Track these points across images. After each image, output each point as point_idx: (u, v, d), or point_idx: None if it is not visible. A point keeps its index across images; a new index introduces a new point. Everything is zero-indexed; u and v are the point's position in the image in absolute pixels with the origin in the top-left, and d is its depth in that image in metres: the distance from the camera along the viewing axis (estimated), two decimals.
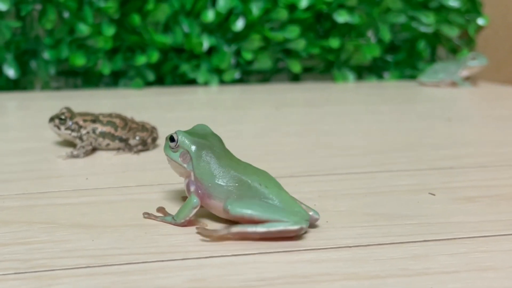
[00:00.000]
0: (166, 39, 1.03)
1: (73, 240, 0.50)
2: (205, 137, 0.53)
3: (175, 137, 0.53)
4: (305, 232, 0.51)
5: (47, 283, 0.43)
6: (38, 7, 1.01)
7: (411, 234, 0.52)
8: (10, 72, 1.00)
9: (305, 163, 0.69)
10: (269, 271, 0.46)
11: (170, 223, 0.53)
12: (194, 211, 0.52)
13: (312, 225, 0.52)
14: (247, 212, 0.49)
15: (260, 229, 0.49)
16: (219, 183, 0.51)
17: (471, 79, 1.14)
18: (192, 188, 0.52)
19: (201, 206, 0.54)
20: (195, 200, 0.52)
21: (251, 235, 0.49)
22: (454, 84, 1.11)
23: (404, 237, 0.51)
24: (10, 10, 0.99)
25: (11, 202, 0.57)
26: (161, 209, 0.55)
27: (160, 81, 1.09)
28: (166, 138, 0.54)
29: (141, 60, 1.03)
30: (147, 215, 0.54)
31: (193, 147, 0.52)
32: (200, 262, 0.47)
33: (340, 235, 0.51)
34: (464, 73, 1.11)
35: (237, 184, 0.51)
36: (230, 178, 0.51)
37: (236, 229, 0.49)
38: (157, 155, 0.72)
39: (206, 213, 0.55)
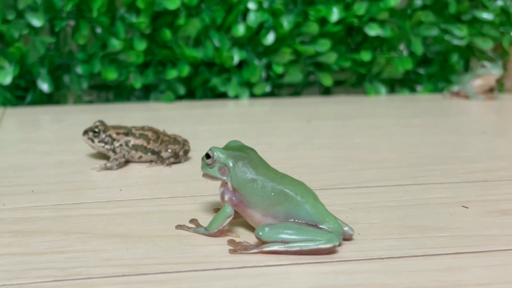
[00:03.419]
0: (197, 53, 1.05)
1: (109, 249, 0.51)
2: (240, 150, 0.55)
3: (211, 154, 0.55)
4: (339, 245, 0.52)
5: None
6: (72, 23, 1.04)
7: (444, 247, 0.52)
8: (44, 86, 1.04)
9: (337, 176, 0.70)
10: (302, 281, 0.47)
11: (202, 234, 0.54)
12: (228, 220, 0.53)
13: (346, 239, 0.53)
14: (279, 237, 0.50)
15: (292, 248, 0.50)
16: (256, 192, 0.52)
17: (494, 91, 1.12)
18: (227, 197, 0.54)
19: (234, 217, 0.55)
20: (228, 209, 0.53)
21: (283, 254, 0.51)
22: (467, 96, 1.10)
23: (437, 249, 0.52)
24: (45, 26, 1.03)
25: (48, 213, 0.59)
26: (194, 221, 0.56)
27: (191, 95, 1.12)
28: (202, 158, 0.56)
29: (172, 74, 1.06)
30: (180, 227, 0.56)
31: (230, 159, 0.54)
32: (233, 272, 0.48)
33: (373, 247, 0.52)
34: (477, 82, 1.10)
35: (273, 194, 0.52)
36: (266, 188, 0.52)
37: (268, 248, 0.51)
38: (189, 168, 0.74)
39: (238, 224, 0.56)
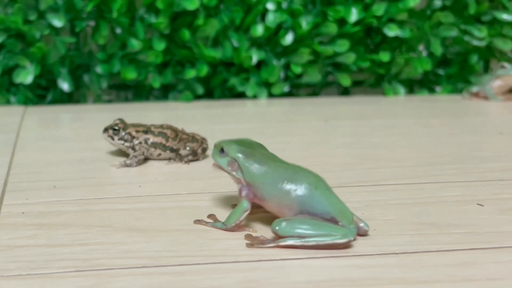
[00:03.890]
0: (216, 53, 1.07)
1: (129, 242, 0.54)
2: (249, 145, 0.57)
3: (224, 149, 0.57)
4: (354, 239, 0.53)
5: (106, 280, 0.47)
6: (92, 23, 1.07)
7: (458, 243, 0.54)
8: (64, 85, 1.06)
9: (353, 174, 0.72)
10: (317, 274, 0.49)
11: (220, 228, 0.56)
12: (245, 214, 0.55)
13: (362, 235, 0.55)
14: (296, 232, 0.52)
15: (308, 243, 0.52)
16: (269, 183, 0.54)
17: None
18: (244, 193, 0.56)
19: (252, 213, 0.57)
20: (245, 204, 0.55)
21: (299, 248, 0.53)
22: (486, 97, 1.11)
23: (451, 245, 0.54)
24: (65, 27, 1.05)
25: (69, 207, 0.61)
26: (212, 216, 0.58)
27: (209, 95, 1.14)
28: (215, 145, 0.58)
29: (190, 73, 1.08)
30: (198, 222, 0.58)
31: (239, 154, 0.56)
32: (250, 265, 0.50)
33: (388, 243, 0.54)
34: (497, 83, 1.11)
35: (285, 184, 0.54)
36: (279, 179, 0.54)
37: (284, 243, 0.53)
38: (207, 165, 0.75)
39: (255, 219, 0.58)
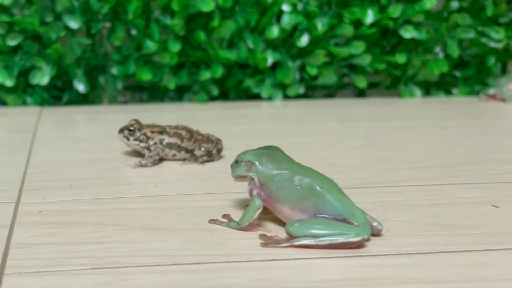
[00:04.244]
0: (231, 55, 1.08)
1: (144, 241, 0.55)
2: (263, 148, 0.59)
3: (238, 159, 0.58)
4: (368, 240, 0.54)
5: (122, 277, 0.48)
6: (108, 25, 1.08)
7: (472, 243, 0.54)
8: (80, 87, 1.08)
9: (368, 175, 0.72)
10: (331, 273, 0.50)
11: (234, 228, 0.57)
12: (258, 212, 0.56)
13: (375, 235, 0.56)
14: (309, 232, 0.53)
15: (322, 242, 0.53)
16: (283, 186, 0.55)
17: None
18: (255, 192, 0.57)
19: (265, 213, 0.58)
20: (257, 202, 0.56)
21: (313, 248, 0.53)
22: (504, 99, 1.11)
23: (466, 246, 0.54)
24: (81, 28, 1.07)
25: (85, 206, 0.63)
26: (226, 216, 0.59)
27: (224, 96, 1.15)
28: (231, 166, 0.59)
29: (205, 75, 1.09)
30: (213, 221, 0.59)
31: (253, 156, 0.57)
32: (264, 264, 0.51)
33: (402, 243, 0.55)
34: None
35: (299, 187, 0.55)
36: (292, 181, 0.55)
37: (299, 242, 0.53)
38: (222, 166, 0.77)
39: (268, 219, 0.59)
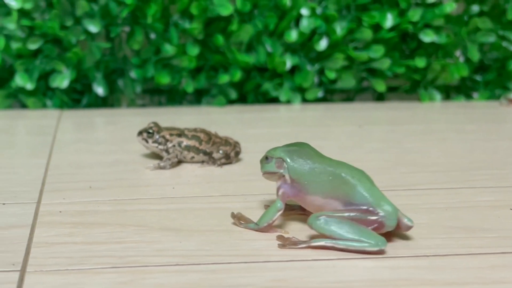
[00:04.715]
0: (249, 59, 1.10)
1: (163, 241, 0.56)
2: (294, 145, 0.60)
3: (267, 155, 0.59)
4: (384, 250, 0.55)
5: (141, 276, 0.50)
6: (127, 29, 1.10)
7: (489, 246, 0.55)
8: (99, 90, 1.10)
9: (386, 178, 0.73)
10: (347, 274, 0.51)
11: (252, 229, 0.59)
12: (278, 214, 0.58)
13: (405, 231, 0.56)
14: (329, 230, 0.54)
15: (338, 245, 0.54)
16: (315, 179, 0.57)
17: None
18: (281, 192, 0.58)
19: (284, 215, 0.59)
20: (279, 204, 0.58)
21: (330, 249, 0.55)
22: None
23: (483, 248, 0.55)
24: (101, 32, 1.09)
25: (105, 207, 0.64)
26: (242, 217, 0.60)
27: (242, 99, 1.16)
28: (260, 160, 0.60)
29: (224, 78, 1.10)
30: (234, 217, 0.60)
31: (284, 153, 0.59)
32: (281, 265, 0.52)
33: (419, 245, 0.56)
34: None
35: (330, 178, 0.56)
36: (324, 173, 0.57)
37: (316, 243, 0.55)
38: (240, 168, 0.78)
39: (287, 220, 0.60)
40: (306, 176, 0.57)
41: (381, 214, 0.54)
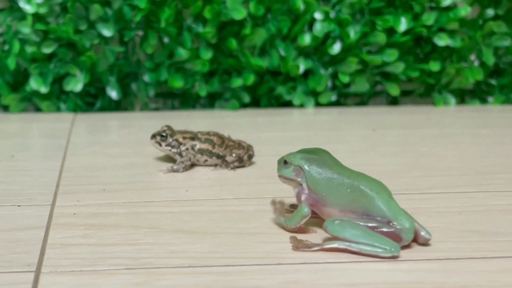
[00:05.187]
0: (262, 62, 1.11)
1: (176, 243, 0.57)
2: (314, 153, 0.60)
3: (287, 159, 0.60)
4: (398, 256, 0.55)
5: (155, 278, 0.51)
6: (140, 33, 1.11)
7: (502, 250, 0.55)
8: (113, 93, 1.11)
9: (400, 182, 0.74)
10: (360, 277, 0.51)
11: (281, 224, 0.60)
12: (304, 220, 0.58)
13: (423, 244, 0.57)
14: (344, 233, 0.55)
15: (352, 248, 0.55)
16: (333, 191, 0.57)
17: None
18: (303, 197, 0.59)
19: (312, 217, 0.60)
20: (306, 209, 0.58)
21: (343, 251, 0.55)
22: None
23: (496, 252, 0.55)
24: (114, 36, 1.10)
25: (119, 209, 0.65)
26: (281, 208, 0.61)
27: (255, 103, 1.17)
28: (278, 161, 0.61)
29: (237, 82, 1.11)
30: (274, 204, 0.60)
31: (303, 161, 0.59)
32: (294, 268, 0.53)
33: (432, 249, 0.56)
34: None
35: (349, 190, 0.57)
36: (342, 185, 0.57)
37: (329, 245, 0.55)
38: (253, 171, 0.79)
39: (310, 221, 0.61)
40: (324, 187, 0.58)
41: (398, 227, 0.55)
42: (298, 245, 0.56)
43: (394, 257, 0.54)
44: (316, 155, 0.60)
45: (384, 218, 0.55)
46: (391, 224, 0.55)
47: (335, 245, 0.55)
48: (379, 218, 0.55)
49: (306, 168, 0.58)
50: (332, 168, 0.58)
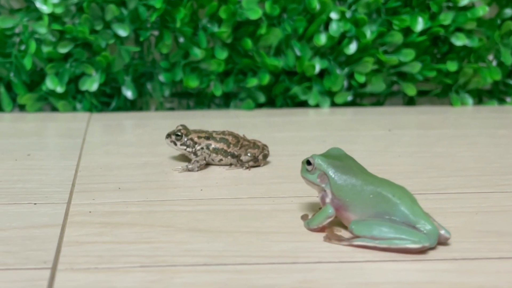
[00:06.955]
0: (278, 62, 1.11)
1: (191, 242, 0.57)
2: (339, 158, 0.61)
3: (311, 161, 0.60)
4: (430, 248, 0.55)
5: (170, 276, 0.51)
6: (156, 33, 1.12)
7: None
8: (128, 93, 1.12)
9: (416, 182, 0.74)
10: (375, 276, 0.51)
11: (305, 227, 0.60)
12: (328, 220, 0.59)
13: (442, 243, 0.57)
14: (371, 233, 0.55)
15: (380, 245, 0.55)
16: (356, 197, 0.57)
17: None
18: (328, 200, 0.59)
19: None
20: (330, 210, 0.59)
21: (372, 249, 0.55)
22: None
23: None
24: (130, 36, 1.11)
25: (134, 208, 0.66)
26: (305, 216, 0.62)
27: (271, 103, 1.17)
28: (302, 162, 0.61)
29: (252, 82, 1.12)
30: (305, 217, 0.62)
31: (330, 169, 0.59)
32: (309, 267, 0.53)
33: (448, 249, 0.56)
34: None
35: (371, 196, 0.57)
36: (365, 191, 0.57)
37: (358, 243, 0.56)
38: (268, 171, 0.79)
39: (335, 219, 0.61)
40: (347, 194, 0.58)
41: (422, 232, 0.55)
42: (331, 237, 0.57)
43: (423, 248, 0.54)
44: (341, 161, 0.60)
45: (408, 223, 0.55)
46: (414, 228, 0.55)
47: (363, 242, 0.55)
48: (403, 223, 0.56)
49: (331, 175, 0.59)
50: (356, 175, 0.59)
